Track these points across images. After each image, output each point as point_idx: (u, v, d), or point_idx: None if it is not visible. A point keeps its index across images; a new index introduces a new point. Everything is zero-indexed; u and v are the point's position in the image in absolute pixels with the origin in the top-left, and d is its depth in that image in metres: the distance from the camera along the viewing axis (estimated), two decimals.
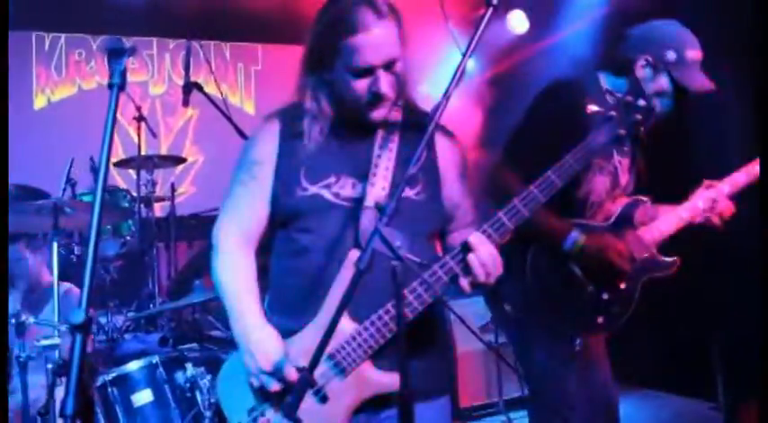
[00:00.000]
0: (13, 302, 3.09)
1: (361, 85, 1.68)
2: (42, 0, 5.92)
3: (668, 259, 2.50)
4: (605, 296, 2.41)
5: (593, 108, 1.67)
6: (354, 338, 1.67)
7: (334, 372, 1.68)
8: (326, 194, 1.74)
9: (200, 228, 5.19)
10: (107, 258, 4.55)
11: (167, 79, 6.79)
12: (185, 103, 3.02)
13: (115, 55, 1.36)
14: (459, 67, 1.53)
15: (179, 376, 2.86)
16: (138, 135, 4.70)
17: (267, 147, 1.79)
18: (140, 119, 4.65)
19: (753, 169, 2.55)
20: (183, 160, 5.09)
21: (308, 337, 1.69)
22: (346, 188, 1.74)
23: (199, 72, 6.15)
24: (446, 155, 1.84)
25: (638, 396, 4.58)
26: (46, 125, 6.34)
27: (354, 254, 1.66)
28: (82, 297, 1.12)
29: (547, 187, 1.64)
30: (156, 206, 5.09)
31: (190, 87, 2.96)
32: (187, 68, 3.04)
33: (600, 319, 2.41)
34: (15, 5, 5.56)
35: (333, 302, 1.64)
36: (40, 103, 6.48)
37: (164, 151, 6.19)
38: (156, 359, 2.83)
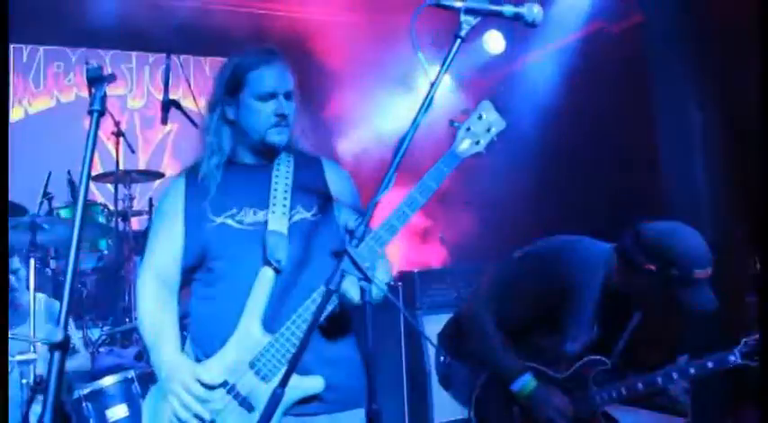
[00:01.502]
0: None
1: (267, 108, 2.00)
2: (21, 12, 5.92)
3: None
4: None
5: (456, 123, 1.81)
6: (272, 346, 1.85)
7: (257, 380, 1.86)
8: (231, 222, 1.99)
9: None
10: (83, 272, 4.55)
11: (146, 93, 6.81)
12: (164, 120, 3.07)
13: (95, 82, 1.41)
14: (427, 96, 1.60)
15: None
16: (117, 149, 4.72)
17: (175, 198, 2.06)
18: (119, 134, 4.67)
19: (723, 359, 2.47)
20: (161, 175, 5.11)
21: (231, 352, 1.89)
22: (248, 216, 2.00)
23: (178, 86, 6.21)
24: (336, 184, 2.11)
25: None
26: (23, 137, 6.32)
27: (267, 270, 1.90)
28: (60, 316, 1.17)
29: (426, 190, 1.78)
30: (134, 220, 5.11)
31: (168, 105, 3.01)
32: (166, 86, 3.09)
33: None
34: None
35: (251, 314, 1.89)
36: (17, 114, 6.47)
37: (142, 165, 6.20)
38: (131, 374, 2.85)
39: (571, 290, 2.46)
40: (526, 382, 2.47)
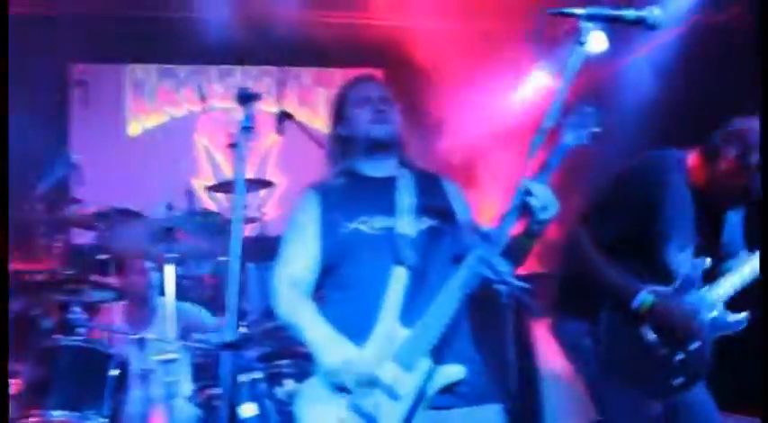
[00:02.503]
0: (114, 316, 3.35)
1: (365, 110, 2.28)
2: (135, 34, 6.34)
3: (737, 317, 2.57)
4: (679, 357, 2.50)
5: (564, 119, 1.92)
6: (412, 339, 1.98)
7: (400, 371, 1.97)
8: (363, 228, 2.17)
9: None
10: (200, 278, 4.78)
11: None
12: (280, 131, 3.20)
13: (245, 101, 1.54)
14: (553, 104, 1.65)
15: (279, 391, 3.03)
16: (228, 161, 4.92)
17: (309, 209, 2.27)
18: (232, 146, 4.87)
19: None
20: (269, 184, 5.30)
21: (374, 346, 2.02)
22: (378, 222, 2.18)
23: (283, 98, 6.50)
24: (455, 199, 2.30)
25: None
26: (140, 151, 6.71)
27: (399, 269, 2.08)
28: (230, 318, 1.28)
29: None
30: (247, 228, 5.32)
31: (283, 117, 3.14)
32: (279, 98, 3.23)
33: (678, 381, 2.50)
34: (111, 39, 5.98)
35: (390, 310, 2.04)
36: (135, 130, 6.86)
37: (249, 174, 6.44)
38: (258, 375, 3.01)
39: (661, 198, 2.52)
40: (644, 299, 2.47)
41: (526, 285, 1.64)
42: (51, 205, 4.48)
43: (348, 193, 2.25)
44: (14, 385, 2.58)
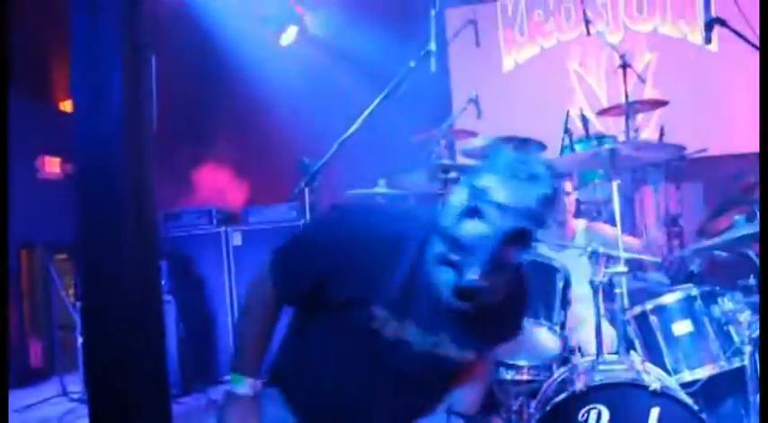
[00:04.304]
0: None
1: None
2: None
3: None
4: None
5: None
6: None
7: None
8: None
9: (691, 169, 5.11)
10: (597, 201, 4.81)
11: (622, 26, 6.81)
12: (708, 40, 3.00)
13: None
14: None
15: (715, 310, 2.94)
16: (625, 82, 4.81)
17: None
18: (624, 66, 4.77)
19: None
20: (664, 103, 5.04)
21: None
22: None
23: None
24: None
25: None
26: (514, 85, 6.93)
27: None
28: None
29: None
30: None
31: (712, 24, 2.94)
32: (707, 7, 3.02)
33: None
34: None
35: None
36: (508, 66, 7.09)
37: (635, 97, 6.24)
38: (694, 291, 2.95)
39: None
40: None
41: None
42: (450, 140, 4.90)
43: None
44: None
